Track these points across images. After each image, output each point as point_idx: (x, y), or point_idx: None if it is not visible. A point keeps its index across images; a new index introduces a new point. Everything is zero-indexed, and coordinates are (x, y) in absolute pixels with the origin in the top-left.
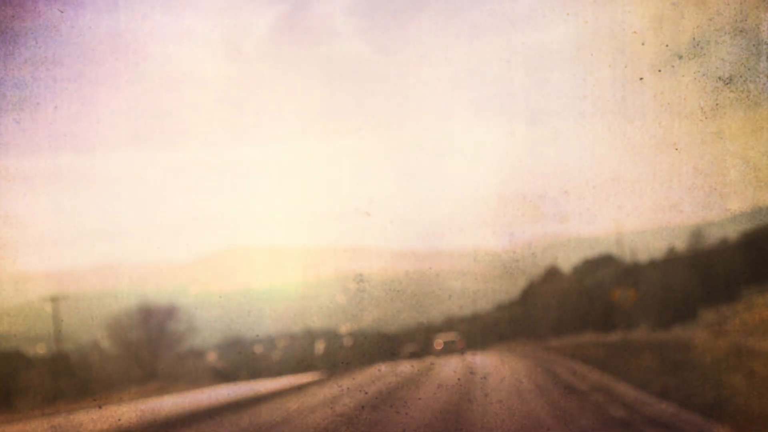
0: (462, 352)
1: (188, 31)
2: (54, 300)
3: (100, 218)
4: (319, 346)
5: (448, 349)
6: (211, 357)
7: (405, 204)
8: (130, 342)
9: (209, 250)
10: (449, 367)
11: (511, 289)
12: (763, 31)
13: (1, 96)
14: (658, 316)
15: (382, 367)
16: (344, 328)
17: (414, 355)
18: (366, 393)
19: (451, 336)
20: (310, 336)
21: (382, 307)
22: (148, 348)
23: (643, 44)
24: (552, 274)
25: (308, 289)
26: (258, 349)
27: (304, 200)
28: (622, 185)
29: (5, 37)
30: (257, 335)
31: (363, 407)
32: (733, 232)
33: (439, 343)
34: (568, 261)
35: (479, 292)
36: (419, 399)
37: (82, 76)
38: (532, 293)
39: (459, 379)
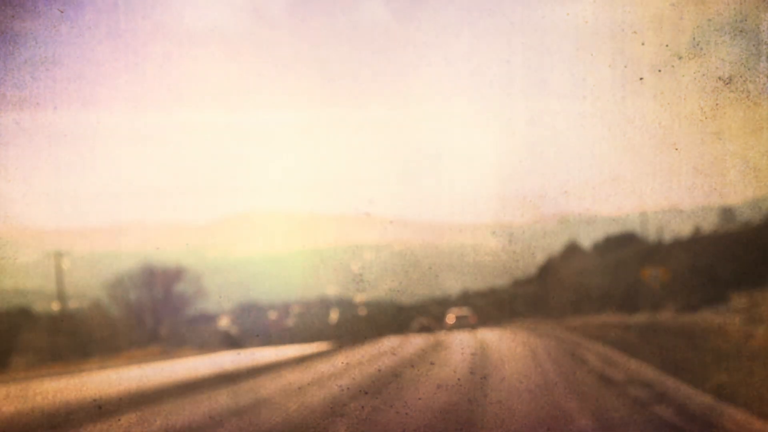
0: (474, 327)
1: None
2: (58, 256)
3: (113, 178)
4: (333, 316)
5: (461, 324)
6: (221, 322)
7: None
8: (132, 303)
9: (224, 214)
10: (461, 346)
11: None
12: (763, 31)
13: (1, 96)
14: (685, 298)
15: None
16: (359, 298)
17: (424, 329)
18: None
19: (463, 311)
20: (325, 304)
21: (398, 276)
22: (152, 310)
23: (643, 44)
24: (571, 250)
25: (323, 255)
26: (271, 315)
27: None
28: (622, 185)
29: (5, 37)
30: (270, 302)
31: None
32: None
33: (451, 317)
34: (588, 239)
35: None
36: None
37: (82, 76)
38: (550, 270)
39: (473, 361)
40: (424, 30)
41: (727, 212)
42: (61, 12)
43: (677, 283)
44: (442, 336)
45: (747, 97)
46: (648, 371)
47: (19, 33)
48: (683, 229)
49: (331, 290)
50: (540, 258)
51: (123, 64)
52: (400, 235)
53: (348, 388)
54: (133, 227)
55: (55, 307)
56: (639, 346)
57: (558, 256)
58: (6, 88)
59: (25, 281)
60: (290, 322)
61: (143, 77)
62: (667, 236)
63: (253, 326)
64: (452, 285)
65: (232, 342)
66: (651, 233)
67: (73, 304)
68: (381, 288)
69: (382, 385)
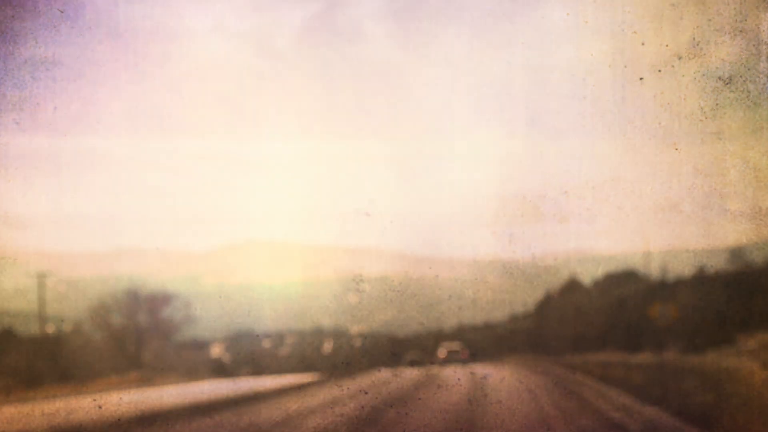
0: (465, 362)
1: (219, 23)
2: (41, 277)
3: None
4: (326, 346)
5: (452, 359)
6: (213, 350)
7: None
8: (115, 327)
9: (221, 242)
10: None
11: (527, 300)
12: (763, 31)
13: (1, 96)
14: (690, 338)
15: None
16: (354, 329)
17: (415, 363)
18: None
19: (455, 345)
20: (318, 335)
21: (394, 309)
22: (135, 335)
23: (643, 44)
24: (571, 286)
25: (317, 287)
26: (265, 344)
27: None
28: (622, 185)
29: (5, 37)
30: (261, 331)
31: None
32: None
33: (442, 351)
34: (588, 275)
35: (494, 302)
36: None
37: (82, 76)
38: (549, 305)
39: (469, 400)
40: (424, 31)
41: (734, 252)
42: (61, 12)
43: (681, 322)
44: (435, 370)
45: (747, 97)
46: (664, 418)
47: (19, 33)
48: (687, 268)
49: (327, 321)
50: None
51: (123, 64)
52: (399, 266)
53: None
54: (119, 253)
55: (36, 329)
56: (649, 390)
57: (556, 292)
58: (6, 88)
59: (9, 303)
60: (284, 351)
61: (147, 106)
62: (672, 274)
63: (246, 354)
64: (450, 318)
65: (221, 370)
66: (654, 271)
67: (53, 328)
68: (376, 319)
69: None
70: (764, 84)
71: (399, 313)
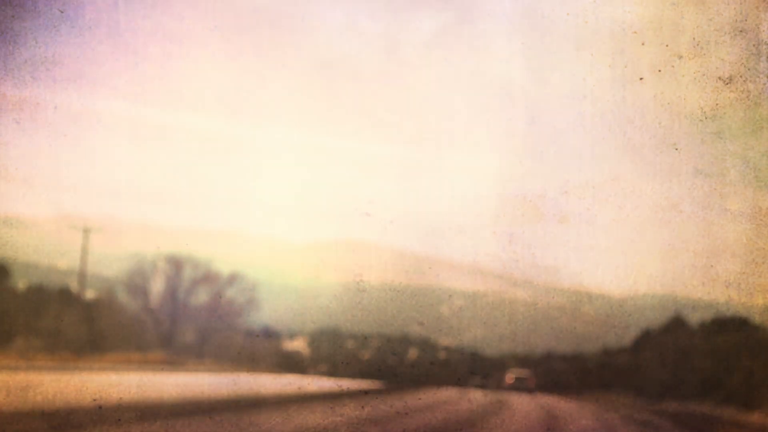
0: (531, 391)
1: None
2: (86, 231)
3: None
4: (411, 355)
5: (519, 386)
6: (277, 342)
7: None
8: (147, 298)
9: (318, 237)
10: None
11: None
12: (763, 31)
13: (1, 96)
14: None
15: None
16: (442, 341)
17: (481, 386)
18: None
19: (523, 372)
20: (404, 343)
21: (485, 327)
22: (171, 311)
23: (643, 44)
24: (675, 326)
25: (407, 294)
26: (348, 344)
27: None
28: (622, 185)
29: (5, 37)
30: (350, 331)
31: None
32: None
33: (510, 377)
34: (693, 317)
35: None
36: None
37: (82, 76)
38: (647, 344)
39: None
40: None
41: None
42: (61, 12)
43: None
44: (503, 396)
45: (747, 97)
46: None
47: (19, 33)
48: None
49: (416, 330)
50: None
51: (123, 64)
52: (496, 285)
53: None
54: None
55: (73, 290)
56: None
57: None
58: (6, 88)
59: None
60: (366, 354)
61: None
62: None
63: (324, 353)
64: (539, 345)
65: (283, 365)
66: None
67: (89, 289)
68: (466, 335)
69: None
70: (764, 84)
71: (489, 332)
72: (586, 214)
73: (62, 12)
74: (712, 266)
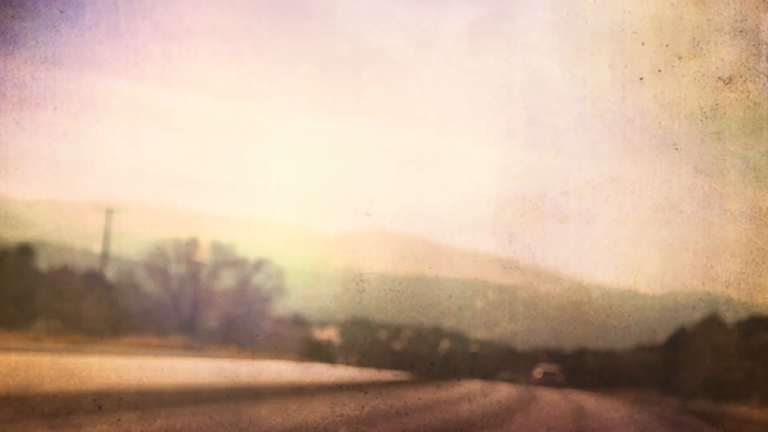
0: (559, 386)
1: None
2: (109, 212)
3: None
4: (443, 347)
5: (546, 381)
6: (323, 332)
7: None
8: (168, 280)
9: (353, 227)
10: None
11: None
12: (763, 31)
13: (1, 96)
14: None
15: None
16: (475, 334)
17: (509, 380)
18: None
19: (552, 368)
20: (436, 334)
21: (521, 321)
22: (193, 294)
23: (643, 44)
24: (710, 324)
25: (441, 284)
26: (381, 335)
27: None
28: (622, 185)
29: (5, 37)
30: (384, 322)
31: None
32: None
33: (538, 372)
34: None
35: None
36: None
37: (82, 76)
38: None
39: None
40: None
41: None
42: (61, 12)
43: None
44: (533, 392)
45: (747, 97)
46: None
47: (19, 33)
48: None
49: (449, 321)
50: None
51: (123, 64)
52: (529, 280)
53: None
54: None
55: (94, 268)
56: None
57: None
58: (6, 88)
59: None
60: (397, 345)
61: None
62: None
63: (357, 343)
64: (570, 342)
65: (312, 354)
66: None
67: (110, 268)
68: (499, 328)
69: None
70: (764, 84)
71: (525, 326)
72: (586, 214)
73: (62, 12)
74: (712, 266)
